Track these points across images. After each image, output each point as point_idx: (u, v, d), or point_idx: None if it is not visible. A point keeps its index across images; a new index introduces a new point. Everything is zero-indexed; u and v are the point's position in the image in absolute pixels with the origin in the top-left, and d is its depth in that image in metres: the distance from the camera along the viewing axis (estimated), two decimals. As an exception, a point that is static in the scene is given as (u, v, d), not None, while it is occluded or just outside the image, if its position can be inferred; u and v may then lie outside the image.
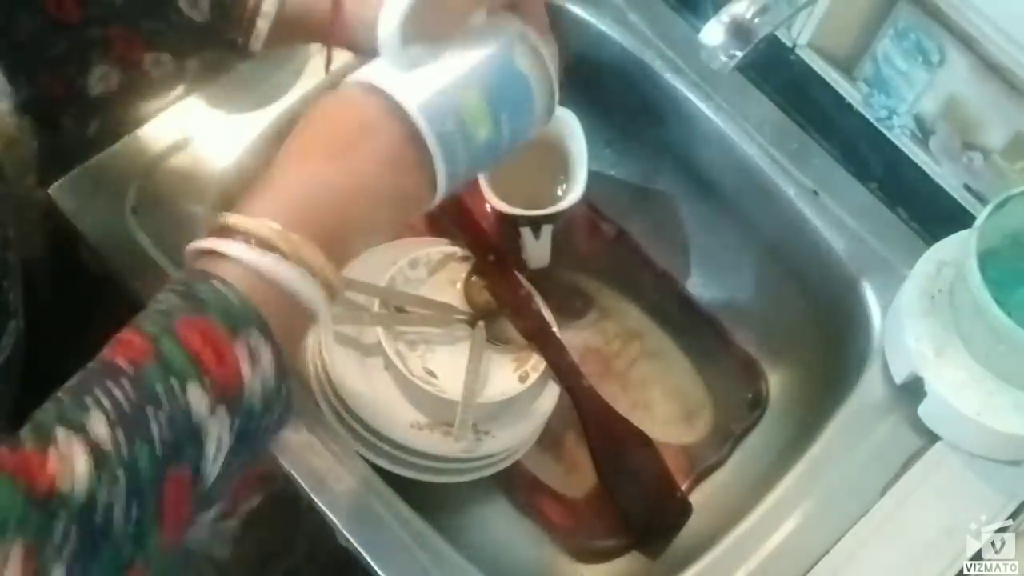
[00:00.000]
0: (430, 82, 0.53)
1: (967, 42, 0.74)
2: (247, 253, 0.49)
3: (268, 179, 0.52)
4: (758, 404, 0.91)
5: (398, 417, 0.76)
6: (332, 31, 0.64)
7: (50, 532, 0.42)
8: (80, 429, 0.44)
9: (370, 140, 0.53)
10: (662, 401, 0.92)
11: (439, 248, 0.85)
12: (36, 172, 0.81)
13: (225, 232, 0.50)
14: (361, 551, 0.71)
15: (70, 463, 0.43)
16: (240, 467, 0.50)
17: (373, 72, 0.54)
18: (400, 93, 0.52)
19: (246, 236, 0.49)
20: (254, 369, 0.49)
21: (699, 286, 0.96)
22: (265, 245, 0.49)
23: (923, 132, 0.82)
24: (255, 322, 0.49)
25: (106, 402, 0.45)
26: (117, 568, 0.44)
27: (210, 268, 0.50)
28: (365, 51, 0.68)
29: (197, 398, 0.47)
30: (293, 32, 0.66)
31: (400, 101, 0.52)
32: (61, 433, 0.44)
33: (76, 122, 0.66)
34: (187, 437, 0.46)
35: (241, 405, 0.48)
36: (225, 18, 0.64)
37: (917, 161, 0.84)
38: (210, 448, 0.47)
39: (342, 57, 0.67)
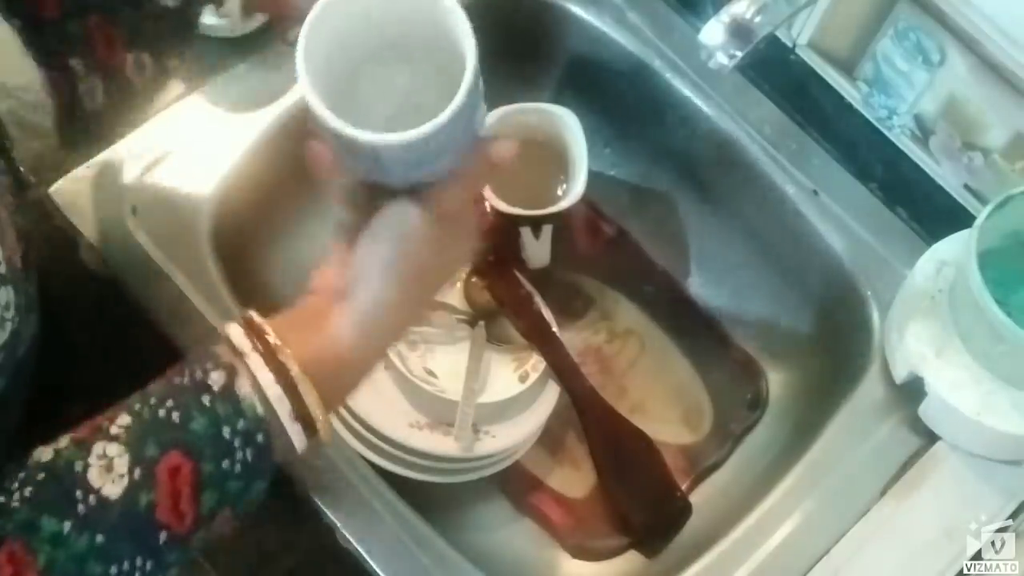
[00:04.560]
0: None
1: (967, 42, 0.74)
2: (298, 439, 0.52)
3: (330, 313, 0.54)
4: (758, 404, 0.91)
5: (398, 417, 0.76)
6: None
7: None
8: None
9: None
10: (662, 401, 0.92)
11: (439, 248, 0.84)
12: (36, 172, 0.80)
13: (289, 391, 0.52)
14: (361, 551, 0.71)
15: None
16: None
17: None
18: None
19: (274, 365, 0.51)
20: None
21: (699, 286, 0.96)
22: (285, 385, 0.51)
23: (923, 132, 0.82)
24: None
25: None
26: None
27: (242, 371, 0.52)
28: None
29: None
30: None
31: None
32: None
33: (71, 129, 0.66)
34: None
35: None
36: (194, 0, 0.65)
37: (917, 161, 0.84)
38: None
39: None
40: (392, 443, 0.75)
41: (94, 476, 0.48)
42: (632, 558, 0.85)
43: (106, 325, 0.84)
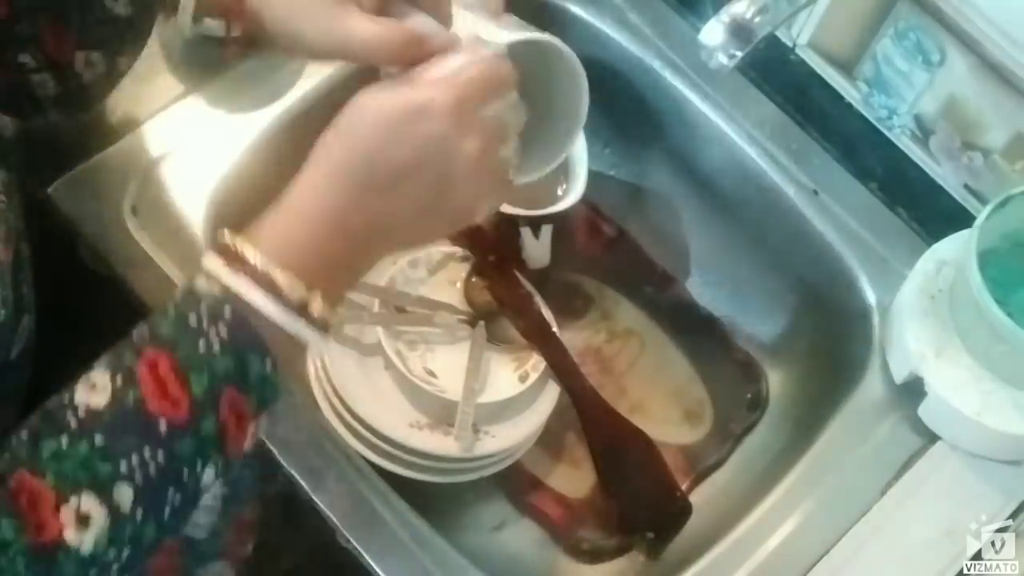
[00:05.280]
0: None
1: (967, 42, 0.74)
2: (255, 296, 0.51)
3: (293, 198, 0.54)
4: (758, 404, 0.91)
5: (398, 417, 0.76)
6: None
7: None
8: (105, 490, 0.47)
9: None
10: (662, 401, 0.92)
11: (439, 248, 0.85)
12: (36, 172, 0.80)
13: (235, 261, 0.51)
14: (361, 551, 0.71)
15: (87, 520, 0.46)
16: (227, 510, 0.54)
17: None
18: None
19: (253, 275, 0.51)
20: (254, 442, 0.53)
21: (699, 286, 0.96)
22: (270, 289, 0.51)
23: (923, 132, 0.82)
24: (276, 400, 0.53)
25: (138, 475, 0.48)
26: None
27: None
28: (267, 34, 0.68)
29: (208, 478, 0.50)
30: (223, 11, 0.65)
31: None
32: (86, 488, 0.47)
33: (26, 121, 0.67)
34: (187, 516, 0.50)
35: (231, 473, 0.52)
36: (147, 9, 0.64)
37: (917, 161, 0.84)
38: (198, 517, 0.52)
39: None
40: (392, 443, 0.75)
41: (80, 395, 0.49)
42: (632, 558, 0.85)
43: (106, 325, 0.84)
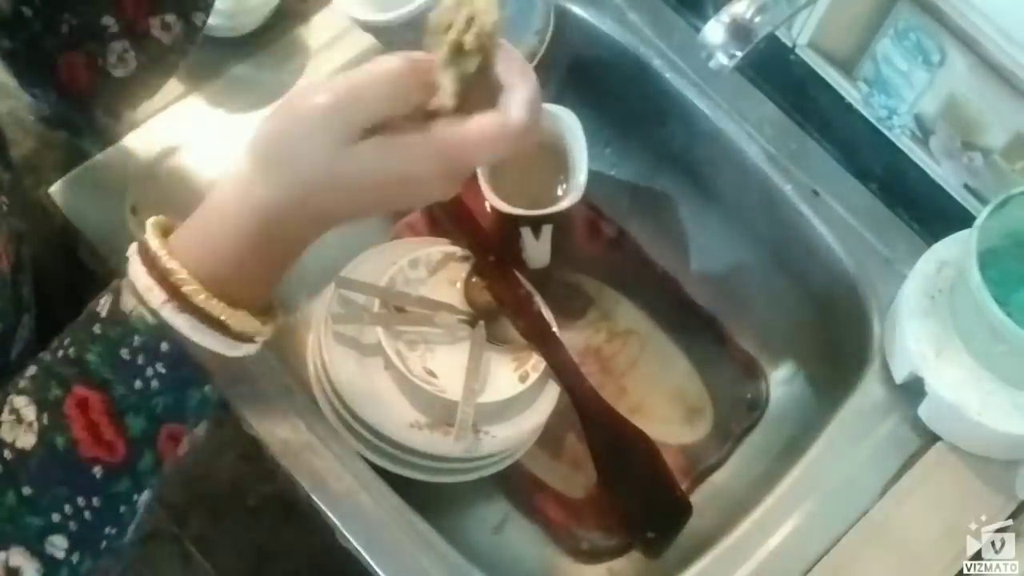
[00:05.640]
0: None
1: (967, 42, 0.74)
2: (198, 336, 0.50)
3: (211, 204, 0.53)
4: (758, 404, 0.91)
5: (398, 417, 0.76)
6: None
7: None
8: (36, 543, 0.45)
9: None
10: (662, 401, 0.92)
11: (439, 248, 0.85)
12: (36, 172, 0.81)
13: (167, 286, 0.50)
14: (361, 551, 0.71)
15: (17, 574, 0.45)
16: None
17: None
18: None
19: (190, 309, 0.49)
20: (185, 454, 0.52)
21: (699, 286, 0.96)
22: (211, 325, 0.50)
23: (923, 132, 0.82)
24: (212, 414, 0.52)
25: (72, 524, 0.46)
26: None
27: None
28: None
29: (143, 500, 0.49)
30: None
31: None
32: (14, 543, 0.45)
33: (107, 111, 0.66)
34: (122, 538, 0.49)
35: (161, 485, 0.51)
36: None
37: (917, 161, 0.84)
38: (130, 530, 0.50)
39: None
40: (392, 443, 0.75)
41: (6, 431, 0.46)
42: (632, 558, 0.85)
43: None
